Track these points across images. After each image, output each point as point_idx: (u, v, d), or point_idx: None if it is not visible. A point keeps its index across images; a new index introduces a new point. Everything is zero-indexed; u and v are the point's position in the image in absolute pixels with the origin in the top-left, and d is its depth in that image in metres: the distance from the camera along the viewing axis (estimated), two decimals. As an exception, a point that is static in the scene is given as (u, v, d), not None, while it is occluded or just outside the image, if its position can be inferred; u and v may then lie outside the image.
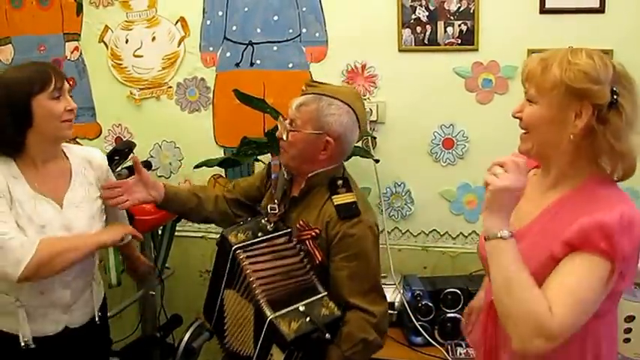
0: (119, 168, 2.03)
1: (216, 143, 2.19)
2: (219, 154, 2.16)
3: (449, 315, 1.78)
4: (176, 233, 2.18)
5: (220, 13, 2.11)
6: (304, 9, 2.03)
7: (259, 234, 1.36)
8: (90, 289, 1.44)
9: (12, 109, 1.23)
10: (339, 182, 1.38)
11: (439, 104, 1.97)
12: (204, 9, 2.12)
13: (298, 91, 2.07)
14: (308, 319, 1.24)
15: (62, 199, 1.34)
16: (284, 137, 1.36)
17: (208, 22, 2.12)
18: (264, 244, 1.34)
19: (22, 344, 1.29)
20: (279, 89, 2.08)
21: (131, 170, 2.05)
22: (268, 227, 1.38)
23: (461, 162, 2.00)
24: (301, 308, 1.26)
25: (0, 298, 1.30)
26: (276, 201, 1.42)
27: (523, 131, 1.05)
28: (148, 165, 2.18)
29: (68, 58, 2.27)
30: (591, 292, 0.93)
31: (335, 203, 1.33)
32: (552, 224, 1.01)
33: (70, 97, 1.31)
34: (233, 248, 1.32)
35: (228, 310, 1.38)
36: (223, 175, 2.22)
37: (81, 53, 2.26)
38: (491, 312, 1.10)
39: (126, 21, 2.19)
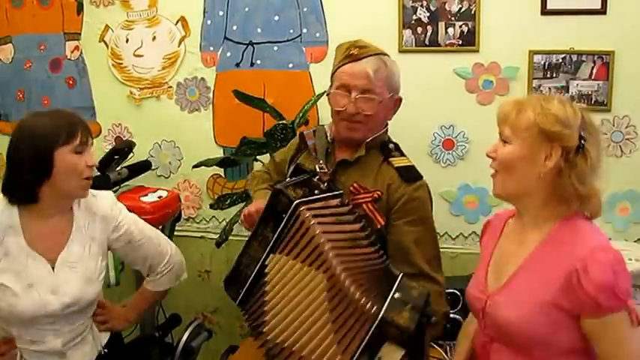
0: (119, 167, 2.04)
1: (216, 143, 2.19)
2: (219, 153, 2.16)
3: (449, 316, 1.77)
4: (175, 233, 2.18)
5: (221, 13, 2.10)
6: (305, 9, 2.03)
7: (315, 192, 1.23)
8: (88, 330, 1.36)
9: (33, 156, 1.17)
10: (391, 146, 1.35)
11: (439, 105, 1.96)
12: (204, 9, 2.12)
13: (298, 91, 2.08)
14: (410, 306, 1.05)
15: (56, 258, 1.26)
16: (368, 112, 1.28)
17: (209, 22, 2.12)
18: (323, 204, 1.20)
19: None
20: (279, 89, 2.07)
21: (131, 170, 2.06)
22: (322, 186, 1.26)
23: (461, 163, 2.00)
24: (396, 295, 1.06)
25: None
26: (321, 162, 1.32)
27: (493, 172, 1.13)
28: (147, 165, 2.19)
29: (68, 57, 2.27)
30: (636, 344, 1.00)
31: (395, 165, 1.30)
32: (542, 270, 1.06)
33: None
34: (295, 203, 1.16)
35: (277, 278, 1.17)
36: (222, 174, 2.21)
37: (81, 52, 2.26)
38: (483, 356, 1.18)
39: (126, 20, 2.19)
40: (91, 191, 1.32)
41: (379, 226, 1.25)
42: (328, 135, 1.41)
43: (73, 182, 1.21)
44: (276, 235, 1.19)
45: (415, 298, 1.08)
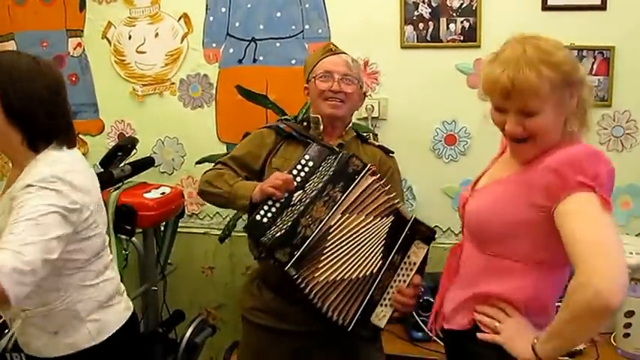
0: (122, 164, 2.04)
1: (219, 139, 2.20)
2: (222, 150, 2.17)
3: (450, 310, 1.79)
4: (179, 229, 2.19)
5: (223, 10, 2.11)
6: (307, 5, 2.04)
7: None
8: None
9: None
10: (363, 134, 1.61)
11: (441, 101, 1.98)
12: (207, 5, 2.12)
13: (300, 87, 2.08)
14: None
15: None
16: (349, 91, 1.48)
17: (211, 19, 2.13)
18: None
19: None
20: (281, 85, 2.08)
21: (134, 166, 2.07)
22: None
23: (463, 158, 2.01)
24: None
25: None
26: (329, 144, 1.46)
27: (527, 142, 1.05)
28: (151, 161, 2.19)
29: (71, 54, 2.27)
30: (609, 228, 0.95)
31: (376, 145, 1.57)
32: (526, 175, 1.07)
33: None
34: (368, 165, 1.36)
35: (341, 236, 1.30)
36: (226, 171, 2.22)
37: (84, 49, 2.26)
38: (451, 261, 1.23)
39: (129, 17, 2.20)
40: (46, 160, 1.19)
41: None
42: (320, 121, 1.49)
43: None
44: (346, 195, 1.32)
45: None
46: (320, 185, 1.32)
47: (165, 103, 2.22)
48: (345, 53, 1.56)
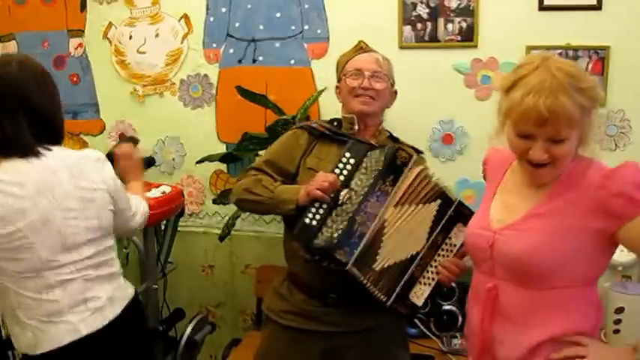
0: (122, 163, 2.06)
1: (219, 139, 2.21)
2: (222, 149, 2.19)
3: (444, 307, 1.81)
4: (179, 228, 2.21)
5: (223, 10, 2.13)
6: (306, 6, 2.06)
7: None
8: None
9: None
10: (395, 135, 1.61)
11: (439, 100, 2.00)
12: (207, 6, 2.14)
13: (300, 87, 2.11)
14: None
15: None
16: (379, 87, 1.49)
17: (211, 19, 2.15)
18: None
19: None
20: (281, 85, 2.10)
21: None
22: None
23: (460, 157, 2.03)
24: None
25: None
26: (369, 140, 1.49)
27: (538, 167, 1.06)
28: (152, 161, 2.21)
29: (72, 54, 2.29)
30: None
31: (409, 144, 1.57)
32: (565, 201, 1.07)
33: None
34: (415, 156, 1.39)
35: (396, 227, 1.34)
36: (225, 170, 2.24)
37: (85, 49, 2.28)
38: (488, 304, 1.13)
39: (130, 17, 2.22)
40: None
41: None
42: (355, 121, 1.50)
43: None
44: (397, 187, 1.34)
45: None
46: (370, 181, 1.34)
47: (166, 103, 2.24)
48: (375, 51, 1.56)
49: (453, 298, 1.81)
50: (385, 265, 1.32)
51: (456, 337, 1.77)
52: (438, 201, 1.36)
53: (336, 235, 1.28)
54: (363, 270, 1.29)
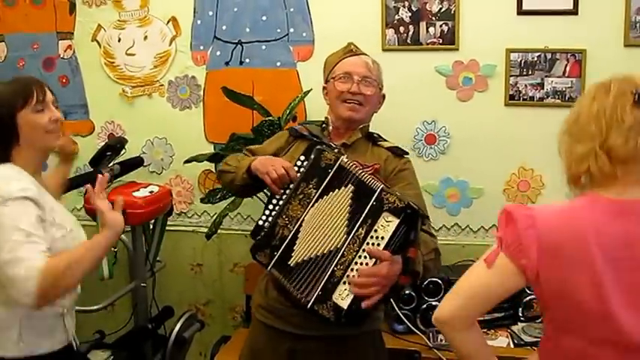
0: (111, 163, 2.08)
1: (207, 139, 2.24)
2: (210, 149, 2.22)
3: (430, 303, 1.85)
4: (167, 227, 2.23)
5: (210, 13, 2.16)
6: (292, 10, 2.10)
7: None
8: None
9: None
10: (375, 135, 1.55)
11: (422, 101, 2.04)
12: (194, 9, 2.17)
13: (286, 89, 2.13)
14: (411, 202, 1.24)
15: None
16: (368, 93, 1.46)
17: (199, 22, 2.18)
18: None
19: (75, 348, 1.30)
20: (267, 87, 2.14)
21: (123, 166, 2.11)
22: (344, 154, 1.40)
23: (443, 157, 2.08)
24: (398, 192, 1.26)
25: (47, 314, 1.25)
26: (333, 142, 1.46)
27: None
28: (140, 161, 2.23)
29: (61, 56, 2.31)
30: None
31: (385, 146, 1.50)
32: None
33: (55, 107, 1.31)
34: (342, 158, 1.32)
35: (311, 222, 1.29)
36: (213, 170, 2.27)
37: (74, 52, 2.30)
38: None
39: (118, 20, 2.24)
40: None
41: None
42: (329, 123, 1.51)
43: (40, 138, 1.28)
44: (320, 190, 1.30)
45: (417, 203, 1.26)
46: (294, 185, 1.33)
47: (154, 104, 2.27)
48: (365, 54, 1.53)
49: (439, 294, 1.85)
50: (299, 260, 1.27)
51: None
52: (351, 187, 1.26)
53: (260, 237, 1.32)
54: (283, 272, 1.29)
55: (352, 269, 1.22)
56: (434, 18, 1.98)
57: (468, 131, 2.03)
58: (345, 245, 1.22)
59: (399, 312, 1.85)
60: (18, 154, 1.27)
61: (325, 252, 1.25)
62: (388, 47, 2.03)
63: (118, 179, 2.07)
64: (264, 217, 1.37)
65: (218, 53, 2.18)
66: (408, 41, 2.01)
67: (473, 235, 2.10)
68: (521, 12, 1.92)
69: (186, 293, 2.36)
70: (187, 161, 2.13)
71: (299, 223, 1.29)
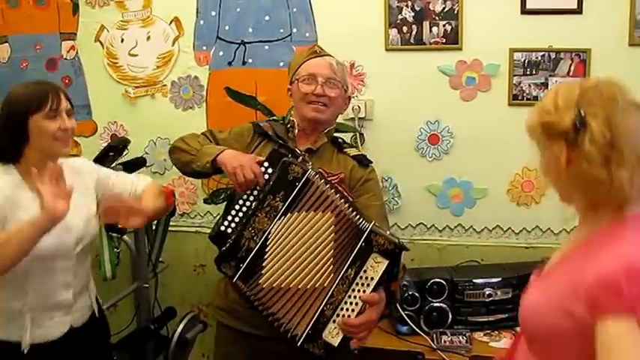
0: (114, 164, 2.08)
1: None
2: (212, 150, 2.22)
3: (434, 304, 1.84)
4: (170, 228, 2.23)
5: (213, 14, 2.16)
6: (295, 10, 2.10)
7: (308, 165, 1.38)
8: (88, 286, 1.48)
9: (11, 124, 1.30)
10: (340, 140, 1.55)
11: (425, 101, 2.04)
12: (197, 9, 2.18)
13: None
14: (389, 232, 1.29)
15: None
16: (332, 94, 1.45)
17: (202, 22, 2.18)
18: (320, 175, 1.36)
19: (25, 350, 1.32)
20: (270, 87, 2.13)
21: (126, 166, 2.11)
22: (309, 164, 1.39)
23: (446, 157, 2.07)
24: (376, 226, 1.27)
25: (8, 305, 1.32)
26: (295, 147, 1.46)
27: None
28: (142, 161, 2.24)
29: (64, 57, 2.31)
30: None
31: (351, 155, 1.50)
32: (569, 271, 0.90)
33: (69, 115, 1.35)
34: (309, 171, 1.30)
35: (279, 241, 1.29)
36: (216, 171, 2.27)
37: (77, 52, 2.30)
38: (508, 355, 1.00)
39: (121, 21, 2.25)
40: (70, 159, 1.48)
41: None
42: (295, 125, 1.50)
43: (47, 144, 1.33)
44: (287, 203, 1.29)
45: (392, 234, 1.31)
46: (261, 196, 1.31)
47: (157, 104, 2.27)
48: (330, 55, 1.54)
49: (443, 295, 1.84)
50: (279, 284, 1.27)
51: (446, 333, 1.80)
52: (331, 217, 1.26)
53: (225, 248, 1.30)
54: (252, 286, 1.29)
55: (342, 308, 1.26)
56: (437, 17, 1.98)
57: (472, 131, 2.02)
58: (335, 286, 1.25)
59: (402, 313, 1.84)
60: (29, 153, 1.33)
61: (309, 287, 1.26)
62: (391, 47, 2.02)
63: (121, 180, 2.07)
64: (226, 223, 1.34)
65: (221, 53, 2.18)
66: (411, 41, 2.01)
67: (477, 235, 2.09)
68: (525, 11, 1.92)
69: (189, 294, 2.35)
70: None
71: (265, 235, 1.29)
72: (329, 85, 1.45)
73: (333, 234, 1.26)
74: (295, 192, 1.30)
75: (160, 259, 2.23)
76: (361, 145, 2.06)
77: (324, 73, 1.46)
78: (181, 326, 2.09)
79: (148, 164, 2.26)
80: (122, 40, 2.25)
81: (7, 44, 2.35)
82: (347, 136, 2.03)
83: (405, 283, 1.84)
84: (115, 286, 2.09)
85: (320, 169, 1.41)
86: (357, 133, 2.06)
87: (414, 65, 2.02)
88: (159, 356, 2.09)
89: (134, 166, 2.16)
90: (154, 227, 2.17)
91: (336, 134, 1.57)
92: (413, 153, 2.07)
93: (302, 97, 1.47)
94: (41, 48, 2.32)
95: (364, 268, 1.24)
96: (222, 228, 1.34)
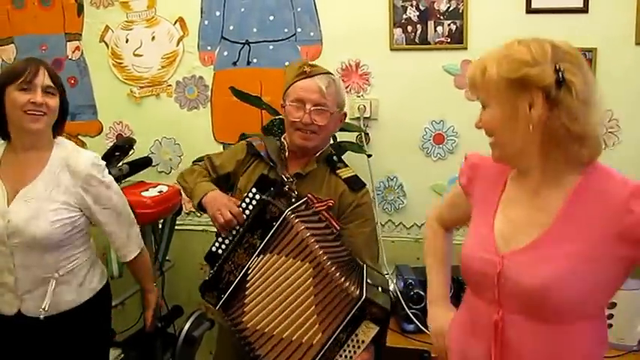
0: (120, 164, 2.10)
1: (215, 139, 2.25)
2: (218, 149, 2.22)
3: (439, 303, 1.85)
4: (176, 227, 2.24)
5: (218, 13, 2.17)
6: (299, 9, 2.10)
7: (292, 200, 1.37)
8: (48, 285, 1.42)
9: None
10: (335, 158, 1.51)
11: (430, 101, 2.04)
12: (202, 9, 2.18)
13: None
14: (381, 289, 1.31)
15: (20, 190, 1.38)
16: (321, 123, 1.41)
17: (206, 22, 2.18)
18: (302, 210, 1.35)
19: None
20: (275, 87, 2.13)
21: (131, 166, 2.12)
22: (293, 195, 1.39)
23: (451, 156, 2.07)
24: (369, 281, 1.29)
25: None
26: (286, 173, 1.45)
27: (490, 139, 1.02)
28: (148, 161, 2.25)
29: (70, 57, 2.32)
30: None
31: (343, 177, 1.46)
32: (587, 222, 0.92)
33: (48, 93, 1.34)
34: (286, 212, 1.29)
35: (260, 277, 1.31)
36: (222, 170, 2.28)
37: (82, 53, 2.31)
38: (497, 340, 0.98)
39: (126, 21, 2.25)
40: (78, 149, 1.47)
41: (336, 230, 1.41)
42: (285, 147, 1.50)
43: (17, 116, 1.33)
44: (265, 242, 1.32)
45: (382, 282, 1.34)
46: (241, 231, 1.35)
47: (162, 104, 2.28)
48: (321, 74, 1.44)
49: (449, 293, 1.84)
50: (264, 329, 1.28)
51: (450, 332, 1.81)
52: (310, 269, 1.25)
53: (207, 277, 1.37)
54: (234, 317, 1.33)
55: None
56: (442, 17, 1.97)
57: (477, 131, 1.97)
58: (327, 347, 1.26)
59: (408, 312, 1.85)
60: (12, 130, 1.36)
61: (295, 340, 1.27)
62: (396, 47, 2.02)
63: (127, 179, 2.09)
64: (217, 245, 1.41)
65: (225, 53, 2.18)
66: (416, 40, 2.01)
67: (481, 234, 2.09)
68: (530, 10, 1.91)
69: (196, 292, 2.32)
70: (196, 161, 2.14)
71: (244, 271, 1.33)
72: (317, 112, 1.40)
73: (312, 287, 1.26)
74: (272, 232, 1.31)
75: (167, 258, 2.25)
76: (366, 144, 2.07)
77: (313, 99, 1.40)
78: (188, 324, 2.11)
79: (153, 164, 2.27)
80: (127, 41, 2.26)
81: (12, 45, 2.36)
82: (352, 136, 2.05)
83: (410, 281, 1.85)
84: (122, 284, 2.11)
85: (308, 195, 1.41)
86: (362, 133, 2.06)
87: (418, 65, 2.01)
88: (166, 354, 2.11)
89: (140, 165, 2.18)
90: (160, 226, 2.19)
91: (332, 152, 1.53)
92: (418, 152, 2.08)
93: (290, 124, 1.44)
94: (47, 49, 2.33)
95: (356, 332, 1.26)
96: (214, 249, 1.40)
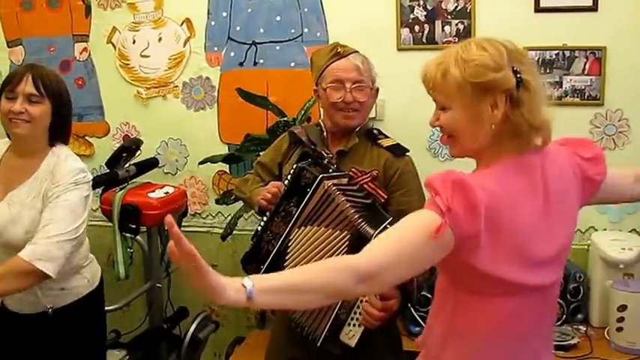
0: (127, 165, 2.10)
1: (221, 140, 2.25)
2: (224, 150, 2.22)
3: (447, 305, 1.83)
4: (182, 228, 2.24)
5: (224, 14, 2.17)
6: (306, 10, 2.09)
7: (330, 170, 1.37)
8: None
9: None
10: (375, 131, 1.51)
11: (437, 101, 2.02)
12: (208, 10, 2.18)
13: (300, 89, 2.12)
14: None
15: (6, 194, 1.41)
16: (362, 99, 1.42)
17: (213, 23, 2.19)
18: (340, 180, 1.35)
19: None
20: (281, 87, 2.13)
21: (138, 167, 2.12)
22: (332, 167, 1.39)
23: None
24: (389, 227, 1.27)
25: None
26: (325, 149, 1.45)
27: (443, 137, 1.07)
28: (155, 162, 2.25)
29: (77, 58, 2.33)
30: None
31: (384, 145, 1.46)
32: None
33: (32, 102, 1.36)
34: (320, 177, 1.30)
35: (299, 248, 1.33)
36: (227, 170, 2.27)
37: (90, 54, 2.32)
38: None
39: (133, 22, 2.26)
40: (69, 156, 1.45)
41: (382, 200, 1.40)
42: (324, 128, 1.51)
43: (5, 122, 1.42)
44: (300, 209, 1.32)
45: None
46: (277, 201, 1.36)
47: (169, 105, 2.28)
48: (353, 52, 1.47)
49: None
50: None
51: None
52: (347, 235, 1.27)
53: (248, 250, 1.39)
54: None
55: (355, 312, 1.31)
56: (449, 16, 1.96)
57: None
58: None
59: (415, 314, 1.82)
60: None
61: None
62: (403, 46, 2.01)
63: (133, 180, 2.09)
64: (261, 224, 1.42)
65: (232, 54, 2.18)
66: (424, 40, 2.00)
67: (489, 236, 2.07)
68: (538, 9, 1.89)
69: (201, 294, 2.36)
70: (202, 162, 2.14)
71: (281, 240, 1.34)
72: (357, 89, 1.42)
73: (347, 249, 1.27)
74: (307, 198, 1.31)
75: (173, 259, 2.24)
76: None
77: (352, 77, 1.42)
78: (194, 326, 2.11)
79: (160, 165, 2.27)
80: (134, 42, 2.27)
81: (21, 46, 2.38)
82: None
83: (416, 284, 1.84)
84: (128, 285, 2.11)
85: (352, 169, 1.41)
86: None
87: (426, 65, 2.00)
88: (171, 355, 2.11)
89: (147, 167, 2.18)
90: (166, 227, 2.18)
91: (372, 126, 1.54)
92: (425, 153, 2.06)
93: (331, 105, 1.44)
94: (55, 50, 2.34)
95: None
96: (258, 228, 1.40)
